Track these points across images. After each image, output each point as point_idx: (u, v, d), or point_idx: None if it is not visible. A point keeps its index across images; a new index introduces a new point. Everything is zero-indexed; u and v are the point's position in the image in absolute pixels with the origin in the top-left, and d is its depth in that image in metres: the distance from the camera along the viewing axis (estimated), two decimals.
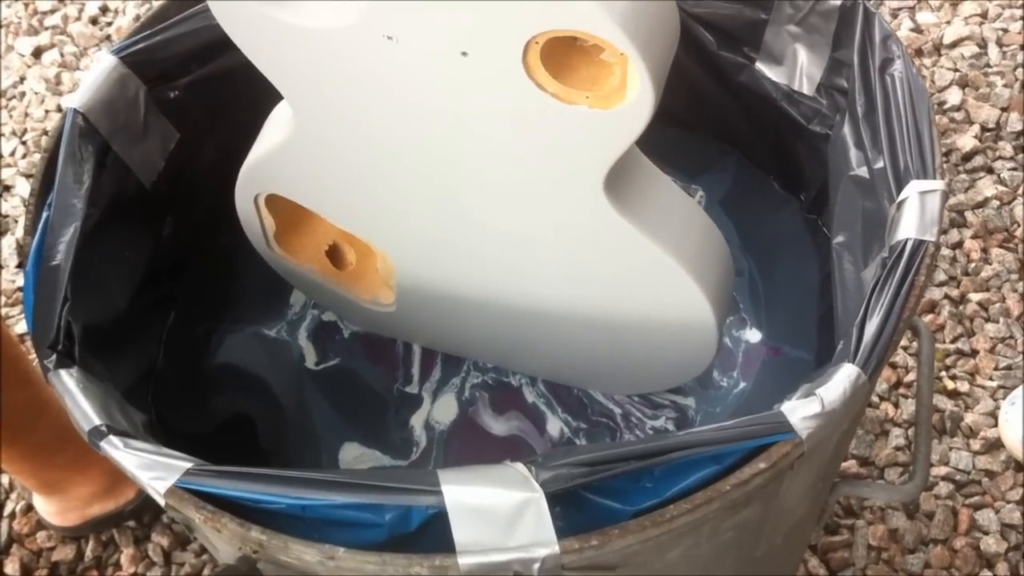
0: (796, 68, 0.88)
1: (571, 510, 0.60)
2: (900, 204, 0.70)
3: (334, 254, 0.92)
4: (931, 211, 0.68)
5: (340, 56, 0.69)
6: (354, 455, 0.89)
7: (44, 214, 0.77)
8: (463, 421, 0.91)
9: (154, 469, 0.63)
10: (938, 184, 0.69)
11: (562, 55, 0.65)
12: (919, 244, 0.67)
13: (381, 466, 0.89)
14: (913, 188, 0.70)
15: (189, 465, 0.63)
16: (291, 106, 0.76)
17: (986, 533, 1.14)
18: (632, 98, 0.64)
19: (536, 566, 0.58)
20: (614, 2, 0.59)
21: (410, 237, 0.83)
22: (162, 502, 0.62)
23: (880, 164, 0.74)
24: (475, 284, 0.84)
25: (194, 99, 0.89)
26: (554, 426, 0.90)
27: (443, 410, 0.92)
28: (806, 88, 0.88)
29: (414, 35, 0.65)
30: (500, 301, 0.84)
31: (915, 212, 0.68)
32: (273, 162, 0.81)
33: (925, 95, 0.73)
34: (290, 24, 0.68)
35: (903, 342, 1.00)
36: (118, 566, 1.18)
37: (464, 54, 0.64)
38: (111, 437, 0.65)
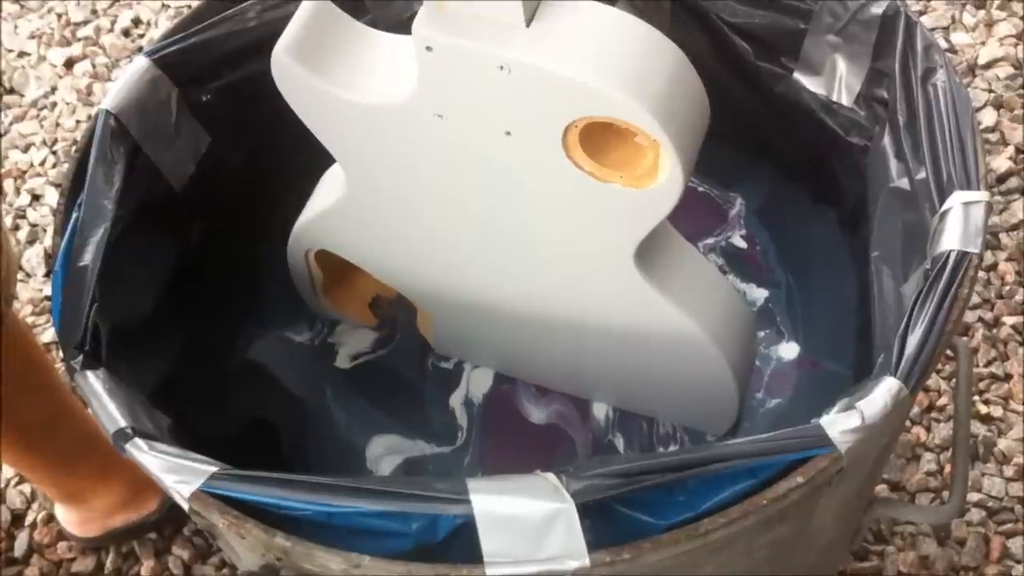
0: (835, 78, 0.87)
1: (601, 523, 0.59)
2: (943, 215, 0.68)
3: (376, 307, 0.98)
4: (975, 222, 0.67)
5: (393, 130, 0.74)
6: (386, 445, 0.90)
7: (74, 215, 0.76)
8: (499, 394, 0.92)
9: (179, 472, 0.62)
10: (982, 195, 0.68)
11: (599, 137, 0.69)
12: (963, 256, 0.66)
13: (422, 455, 0.91)
14: (957, 199, 0.68)
15: (214, 469, 0.62)
16: (344, 171, 0.81)
17: (1018, 562, 1.12)
18: (663, 179, 0.68)
19: None
20: (648, 93, 0.64)
21: (449, 296, 0.88)
22: (186, 506, 0.61)
23: (922, 175, 0.72)
24: (511, 337, 0.89)
25: (226, 103, 0.88)
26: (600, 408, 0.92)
27: (479, 381, 0.94)
28: (845, 99, 0.87)
29: (462, 115, 0.70)
30: (536, 351, 0.90)
31: (959, 223, 0.67)
32: (324, 220, 0.87)
33: (969, 105, 0.72)
34: (348, 100, 0.74)
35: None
36: None
37: (508, 133, 0.70)
38: (136, 439, 0.64)
